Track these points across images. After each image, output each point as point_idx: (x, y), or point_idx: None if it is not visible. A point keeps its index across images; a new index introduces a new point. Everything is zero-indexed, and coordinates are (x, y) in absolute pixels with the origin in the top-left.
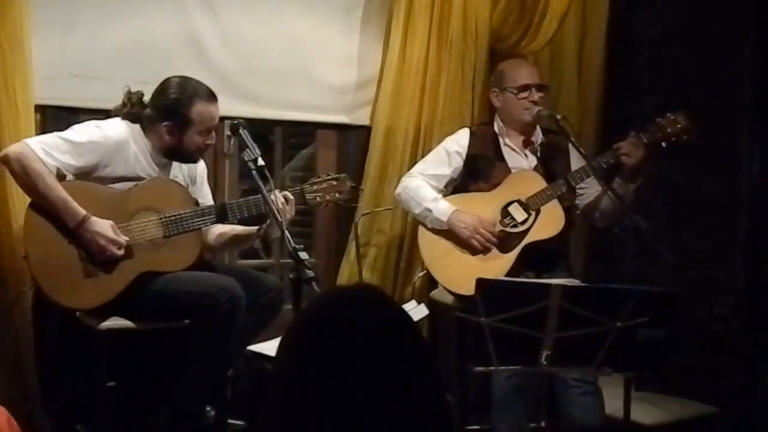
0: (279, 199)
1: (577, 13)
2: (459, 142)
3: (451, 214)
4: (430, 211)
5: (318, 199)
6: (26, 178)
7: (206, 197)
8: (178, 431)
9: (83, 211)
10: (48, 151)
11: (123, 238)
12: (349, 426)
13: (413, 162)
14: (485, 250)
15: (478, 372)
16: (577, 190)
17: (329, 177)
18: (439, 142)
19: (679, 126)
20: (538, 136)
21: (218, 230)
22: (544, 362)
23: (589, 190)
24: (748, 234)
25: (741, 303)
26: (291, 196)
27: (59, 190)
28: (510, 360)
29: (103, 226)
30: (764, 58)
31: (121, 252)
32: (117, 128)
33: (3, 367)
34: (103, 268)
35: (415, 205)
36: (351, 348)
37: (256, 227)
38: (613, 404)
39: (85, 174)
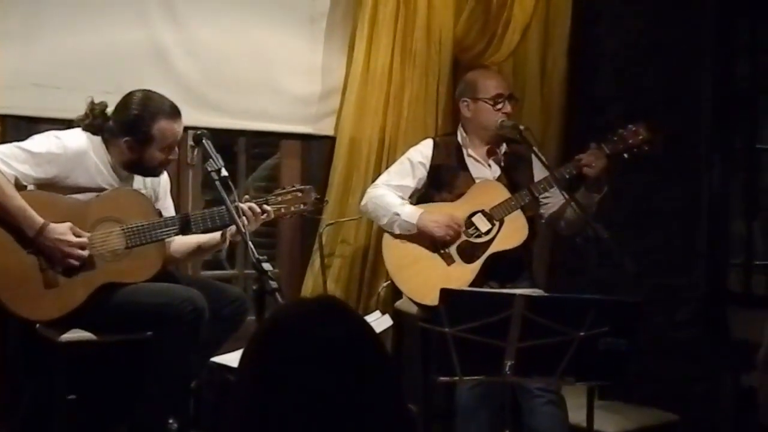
0: (255, 209)
1: (540, 25)
2: (423, 152)
3: (420, 215)
4: (398, 215)
5: (282, 210)
6: None
7: (168, 210)
8: None
9: (41, 219)
10: (6, 160)
11: (86, 236)
12: None
13: (378, 172)
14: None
15: (442, 382)
16: (542, 200)
17: (294, 188)
18: (404, 152)
19: (641, 137)
20: (501, 146)
21: (181, 240)
22: (508, 372)
23: (554, 199)
24: (708, 242)
25: (702, 311)
26: (258, 209)
27: (17, 199)
28: (474, 370)
29: (61, 230)
30: (723, 70)
31: (86, 253)
32: (77, 139)
33: None
34: (65, 274)
35: (382, 212)
36: (312, 359)
37: (220, 234)
38: (576, 413)
39: (45, 185)
